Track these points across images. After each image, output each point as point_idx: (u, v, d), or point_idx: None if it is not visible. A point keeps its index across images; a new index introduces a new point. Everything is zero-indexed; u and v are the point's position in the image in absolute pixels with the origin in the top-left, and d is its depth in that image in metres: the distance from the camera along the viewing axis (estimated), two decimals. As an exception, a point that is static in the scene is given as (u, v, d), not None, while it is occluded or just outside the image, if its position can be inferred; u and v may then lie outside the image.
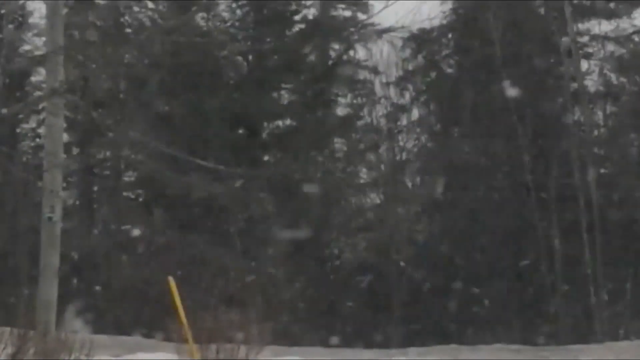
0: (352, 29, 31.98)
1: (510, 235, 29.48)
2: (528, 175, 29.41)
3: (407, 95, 34.12)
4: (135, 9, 30.23)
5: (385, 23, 31.99)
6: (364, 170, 33.44)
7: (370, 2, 32.32)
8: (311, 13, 32.31)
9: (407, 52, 33.34)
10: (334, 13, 32.36)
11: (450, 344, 25.98)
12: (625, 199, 29.57)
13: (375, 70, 33.69)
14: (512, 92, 29.44)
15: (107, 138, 27.35)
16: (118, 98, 28.48)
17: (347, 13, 32.59)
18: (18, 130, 29.83)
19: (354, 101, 32.91)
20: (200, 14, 30.51)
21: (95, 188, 29.70)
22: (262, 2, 30.96)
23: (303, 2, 32.07)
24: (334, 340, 26.61)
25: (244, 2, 31.27)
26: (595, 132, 31.60)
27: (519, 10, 30.81)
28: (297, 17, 31.86)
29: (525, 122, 29.80)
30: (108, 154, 29.43)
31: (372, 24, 31.80)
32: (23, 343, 13.16)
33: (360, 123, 32.86)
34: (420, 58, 33.17)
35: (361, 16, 32.26)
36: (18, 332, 13.53)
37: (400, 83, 33.87)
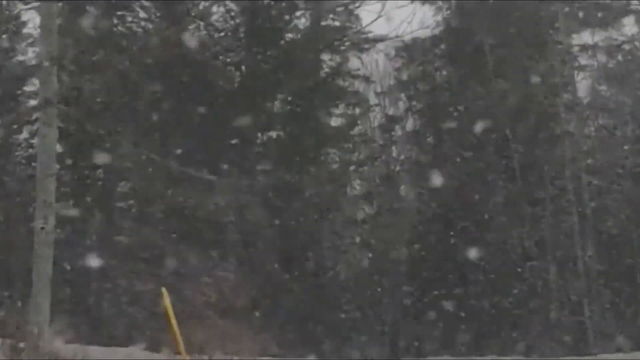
0: (344, 38, 31.99)
1: (503, 247, 29.47)
2: (521, 186, 29.44)
3: (401, 106, 34.22)
4: (129, 19, 30.20)
5: (379, 33, 32.21)
6: (358, 181, 33.44)
7: (360, 12, 32.44)
8: (302, 23, 32.33)
9: (400, 62, 33.44)
10: (325, 23, 32.35)
11: (444, 355, 25.98)
12: (618, 210, 29.61)
13: (368, 80, 33.76)
14: (504, 102, 29.55)
15: (100, 148, 27.31)
16: (111, 108, 28.42)
17: (337, 23, 32.61)
18: (11, 140, 29.76)
19: (348, 112, 32.92)
20: (194, 25, 30.55)
21: (89, 199, 29.59)
22: (255, 12, 30.97)
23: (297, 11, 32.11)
24: (328, 350, 26.59)
25: (237, 12, 31.28)
26: (588, 143, 31.68)
27: (512, 21, 30.88)
28: (289, 27, 31.86)
29: (518, 133, 29.85)
30: (101, 164, 29.33)
31: (364, 32, 31.89)
32: (15, 354, 13.11)
33: (354, 134, 32.87)
34: (413, 68, 33.22)
35: (351, 26, 32.28)
36: (10, 342, 13.48)
37: (394, 93, 33.95)
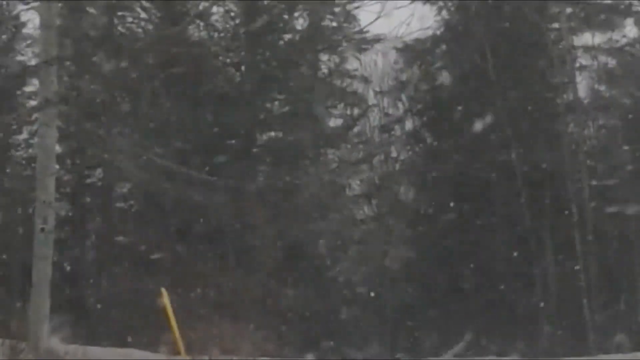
0: (342, 39, 32.01)
1: (503, 248, 29.48)
2: (521, 188, 29.44)
3: (401, 106, 34.25)
4: (129, 19, 30.22)
5: (378, 34, 32.25)
6: (357, 181, 33.47)
7: (360, 13, 32.48)
8: (301, 24, 32.36)
9: (401, 63, 33.48)
10: (323, 24, 32.38)
11: (442, 356, 26.00)
12: (619, 212, 29.59)
13: (367, 81, 33.78)
14: (504, 103, 29.59)
15: (100, 149, 27.31)
16: (110, 108, 28.43)
17: (334, 24, 32.63)
18: (11, 140, 29.75)
19: (347, 112, 32.95)
20: (193, 25, 30.57)
21: (88, 199, 29.61)
22: (255, 12, 30.99)
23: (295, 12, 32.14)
24: (328, 350, 26.60)
25: (237, 12, 31.30)
26: (588, 144, 31.68)
27: (512, 21, 30.89)
28: (288, 28, 31.88)
29: (518, 134, 29.86)
30: (100, 164, 29.35)
31: (362, 32, 31.93)
32: (15, 354, 13.11)
33: (353, 134, 32.90)
34: (413, 69, 33.26)
35: (349, 27, 32.30)
36: (10, 343, 13.49)
37: (394, 94, 33.97)
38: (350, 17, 32.25)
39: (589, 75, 32.53)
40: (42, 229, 15.51)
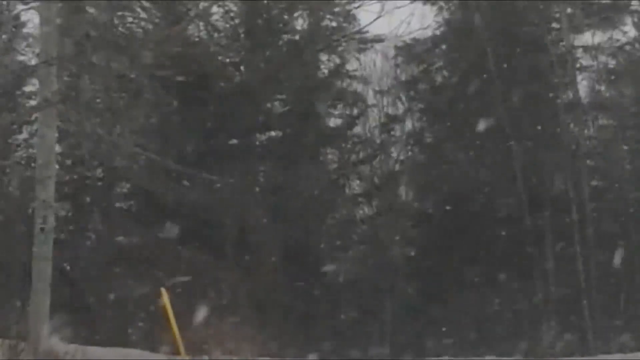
0: (341, 39, 32.02)
1: (503, 248, 29.46)
2: (520, 187, 29.43)
3: (401, 106, 34.25)
4: (129, 19, 30.21)
5: (378, 33, 32.24)
6: (357, 182, 33.47)
7: (360, 12, 32.48)
8: (300, 24, 32.38)
9: (400, 63, 33.48)
10: (323, 24, 32.39)
11: (442, 356, 25.97)
12: (619, 212, 29.61)
13: (367, 81, 33.78)
14: (504, 103, 29.58)
15: (99, 148, 27.30)
16: (110, 108, 28.40)
17: (334, 24, 32.63)
18: (11, 141, 29.73)
19: (347, 112, 32.96)
20: (193, 25, 30.56)
21: (88, 199, 29.59)
22: (255, 12, 31.00)
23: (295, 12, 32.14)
24: (326, 351, 26.58)
25: (237, 12, 31.31)
26: (588, 144, 31.67)
27: (513, 21, 30.89)
28: (288, 28, 31.89)
29: (518, 134, 29.85)
30: (100, 164, 29.34)
31: (362, 32, 31.95)
32: (15, 354, 13.11)
33: (352, 134, 32.90)
34: (413, 68, 33.28)
35: (349, 27, 32.32)
36: (10, 343, 13.49)
37: (393, 93, 33.97)
38: (350, 17, 32.27)
39: (589, 76, 32.54)
40: (42, 229, 15.51)
